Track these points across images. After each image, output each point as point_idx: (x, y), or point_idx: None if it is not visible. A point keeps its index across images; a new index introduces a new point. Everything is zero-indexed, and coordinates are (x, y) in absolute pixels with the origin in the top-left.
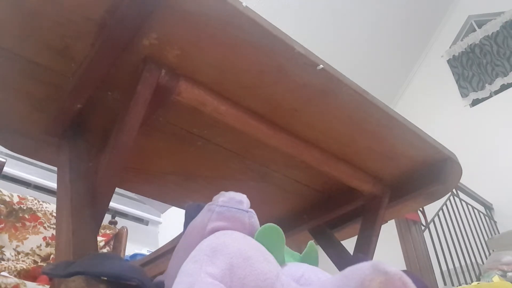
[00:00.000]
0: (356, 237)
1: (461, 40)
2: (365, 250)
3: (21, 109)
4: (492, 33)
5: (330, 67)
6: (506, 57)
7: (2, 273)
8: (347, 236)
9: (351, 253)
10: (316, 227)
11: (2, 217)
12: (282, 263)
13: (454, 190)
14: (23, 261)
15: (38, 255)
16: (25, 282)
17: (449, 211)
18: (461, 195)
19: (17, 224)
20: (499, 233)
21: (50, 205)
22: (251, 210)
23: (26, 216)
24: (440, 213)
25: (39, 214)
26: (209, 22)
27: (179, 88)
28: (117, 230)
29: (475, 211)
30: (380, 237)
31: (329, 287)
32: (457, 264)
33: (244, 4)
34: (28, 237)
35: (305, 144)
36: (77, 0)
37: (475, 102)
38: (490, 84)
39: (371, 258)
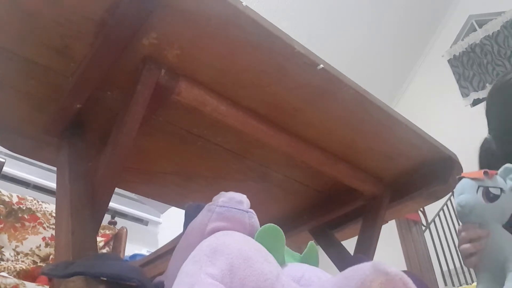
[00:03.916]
0: (356, 237)
1: (462, 40)
2: (365, 250)
3: (21, 109)
4: (493, 32)
5: (331, 67)
6: (507, 57)
7: (2, 274)
8: (348, 236)
9: (352, 254)
10: (316, 227)
11: (1, 217)
12: (282, 263)
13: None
14: (22, 261)
15: (37, 255)
16: (25, 282)
17: (449, 211)
18: None
19: (17, 225)
20: None
21: (49, 205)
22: (251, 210)
23: (26, 216)
24: (441, 213)
25: (39, 215)
26: (209, 21)
27: (179, 88)
28: (116, 230)
29: None
30: (380, 237)
31: None
32: (457, 265)
33: (244, 3)
34: (27, 238)
35: (305, 144)
36: (77, 0)
37: (475, 102)
38: (490, 84)
39: (372, 259)
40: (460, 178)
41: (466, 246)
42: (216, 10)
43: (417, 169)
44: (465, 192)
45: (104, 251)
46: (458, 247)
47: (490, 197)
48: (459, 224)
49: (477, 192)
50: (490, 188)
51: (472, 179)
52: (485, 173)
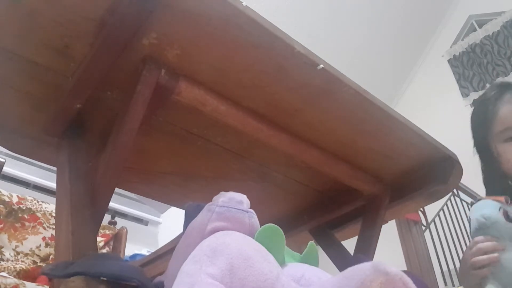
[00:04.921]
0: (356, 237)
1: (462, 40)
2: (365, 250)
3: (21, 109)
4: (493, 32)
5: (331, 67)
6: (507, 57)
7: (2, 274)
8: (348, 236)
9: (352, 254)
10: (316, 227)
11: (1, 217)
12: (282, 263)
13: (454, 190)
14: (22, 261)
15: (37, 255)
16: (25, 282)
17: (449, 211)
18: (462, 195)
19: (17, 225)
20: None
21: (49, 205)
22: (251, 210)
23: (26, 216)
24: (441, 213)
25: (39, 214)
26: (209, 21)
27: (179, 88)
28: (116, 230)
29: None
30: (380, 237)
31: None
32: (457, 265)
33: (244, 3)
34: (27, 238)
35: (305, 144)
36: (77, 0)
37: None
38: (490, 83)
39: (372, 259)
40: (479, 200)
41: (482, 257)
42: (216, 10)
43: (417, 169)
44: (488, 207)
45: (104, 251)
46: (470, 257)
47: (510, 218)
48: (459, 224)
49: (498, 211)
50: (509, 212)
51: (493, 200)
52: (505, 198)
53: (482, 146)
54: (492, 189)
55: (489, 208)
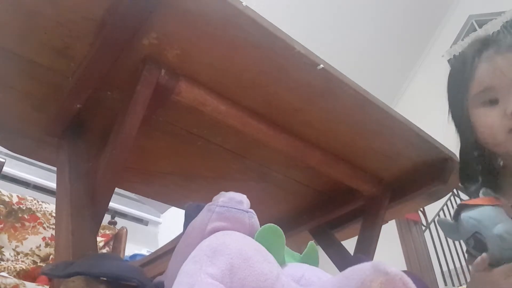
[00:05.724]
0: (356, 237)
1: (462, 40)
2: (365, 250)
3: (21, 109)
4: (493, 32)
5: (331, 67)
6: None
7: (2, 274)
8: (348, 236)
9: (352, 254)
10: (316, 227)
11: (1, 217)
12: (282, 263)
13: (454, 190)
14: (22, 261)
15: (37, 255)
16: (25, 282)
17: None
18: (462, 195)
19: (17, 225)
20: None
21: (49, 205)
22: (251, 210)
23: (26, 216)
24: (441, 213)
25: (39, 214)
26: (209, 21)
27: (179, 88)
28: (116, 230)
29: None
30: (380, 237)
31: None
32: (457, 265)
33: (244, 3)
34: (27, 238)
35: (305, 144)
36: (77, 0)
37: None
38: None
39: (372, 259)
40: (463, 206)
41: None
42: (216, 10)
43: (417, 169)
44: (503, 220)
45: (104, 251)
46: None
47: None
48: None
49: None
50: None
51: (493, 206)
52: (496, 198)
53: (457, 112)
54: (465, 162)
55: (503, 219)
